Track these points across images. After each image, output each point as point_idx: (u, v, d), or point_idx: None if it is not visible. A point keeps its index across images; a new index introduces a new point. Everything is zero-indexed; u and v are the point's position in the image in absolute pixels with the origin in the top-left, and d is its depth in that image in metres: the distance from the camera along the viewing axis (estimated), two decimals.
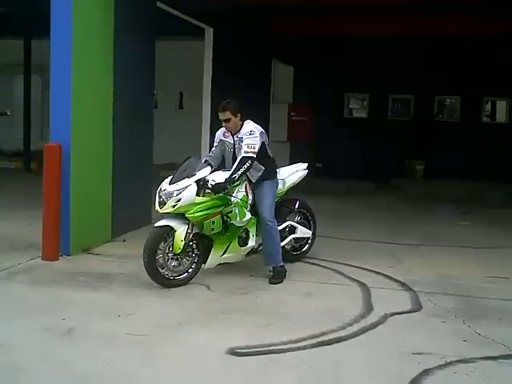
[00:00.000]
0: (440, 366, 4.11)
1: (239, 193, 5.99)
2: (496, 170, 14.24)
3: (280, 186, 6.44)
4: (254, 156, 5.83)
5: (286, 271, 6.10)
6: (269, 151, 6.22)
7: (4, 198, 10.01)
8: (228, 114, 5.95)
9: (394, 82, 15.43)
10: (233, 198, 5.89)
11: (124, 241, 7.49)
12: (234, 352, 4.27)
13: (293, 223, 6.71)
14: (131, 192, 7.79)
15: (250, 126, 6.02)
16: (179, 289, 5.65)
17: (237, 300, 5.44)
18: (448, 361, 4.18)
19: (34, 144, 14.80)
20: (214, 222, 5.75)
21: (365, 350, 4.40)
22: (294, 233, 6.71)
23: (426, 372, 4.01)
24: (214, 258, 5.95)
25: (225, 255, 6.03)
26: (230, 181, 5.70)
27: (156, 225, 5.65)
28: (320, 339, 4.52)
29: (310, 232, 6.89)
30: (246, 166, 5.76)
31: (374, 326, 4.85)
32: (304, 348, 4.37)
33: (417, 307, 5.37)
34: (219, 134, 6.28)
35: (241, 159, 5.78)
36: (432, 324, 4.96)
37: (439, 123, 16.18)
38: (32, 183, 12.22)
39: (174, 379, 3.90)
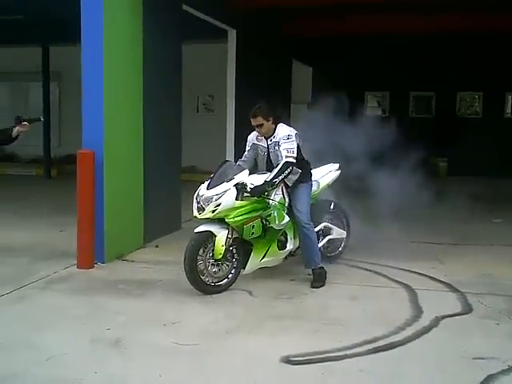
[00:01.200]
0: (503, 371, 3.96)
1: (276, 195, 5.86)
2: None
3: (314, 188, 6.32)
4: (295, 161, 5.70)
5: (326, 273, 5.96)
6: (303, 153, 6.09)
7: (29, 206, 9.95)
8: (260, 120, 5.80)
9: (414, 80, 15.27)
10: (271, 201, 5.76)
11: (157, 246, 7.38)
12: (288, 360, 4.13)
13: (328, 224, 6.63)
14: (162, 197, 7.70)
15: (285, 129, 5.88)
16: (221, 295, 5.53)
17: (282, 305, 5.31)
18: (511, 365, 4.04)
19: (53, 151, 14.77)
20: (253, 226, 5.62)
21: (423, 355, 4.25)
22: (329, 234, 6.64)
23: (491, 377, 3.87)
24: (254, 262, 5.83)
25: (264, 259, 5.91)
26: (269, 183, 5.57)
27: (196, 230, 5.49)
28: (375, 345, 4.38)
29: (345, 233, 6.80)
30: (287, 171, 5.63)
31: (427, 329, 4.70)
32: (359, 354, 4.23)
33: (467, 309, 5.21)
34: (251, 137, 6.14)
35: (283, 164, 5.62)
36: (487, 326, 4.81)
37: (462, 119, 15.99)
38: (54, 190, 12.28)
39: None
